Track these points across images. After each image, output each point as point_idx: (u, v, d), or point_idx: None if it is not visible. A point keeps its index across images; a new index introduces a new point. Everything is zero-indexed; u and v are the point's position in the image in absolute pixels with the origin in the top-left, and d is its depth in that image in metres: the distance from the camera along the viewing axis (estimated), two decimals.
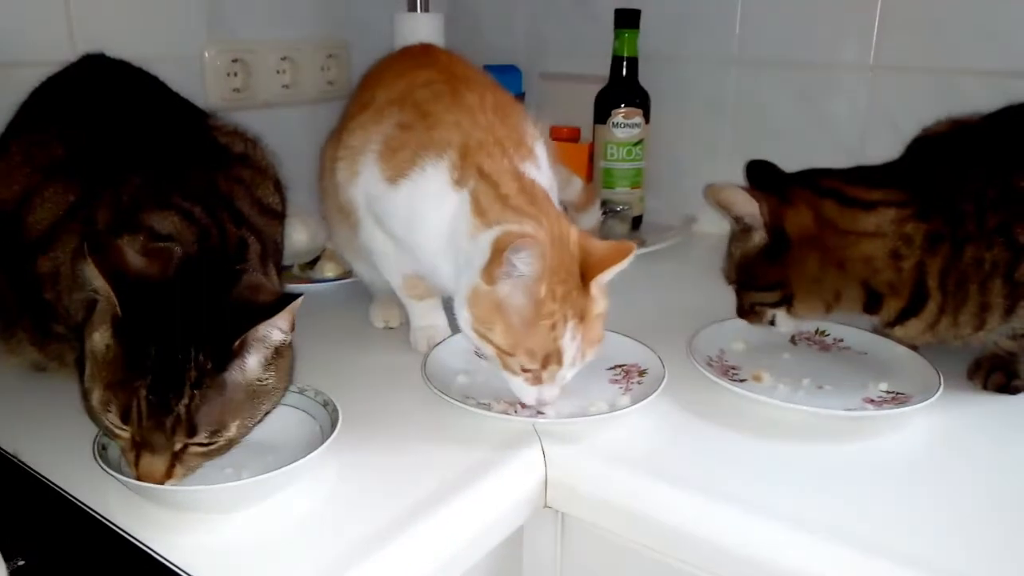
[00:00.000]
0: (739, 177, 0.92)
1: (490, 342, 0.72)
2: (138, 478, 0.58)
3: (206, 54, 1.20)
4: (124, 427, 0.57)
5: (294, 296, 0.60)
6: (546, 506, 0.72)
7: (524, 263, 0.69)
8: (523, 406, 0.75)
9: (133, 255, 0.59)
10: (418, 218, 0.78)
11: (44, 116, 0.77)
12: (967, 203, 0.78)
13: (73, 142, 0.72)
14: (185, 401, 0.57)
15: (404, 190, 0.78)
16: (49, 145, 0.72)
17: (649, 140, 1.33)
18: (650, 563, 0.68)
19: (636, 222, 1.34)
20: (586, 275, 0.72)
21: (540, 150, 0.82)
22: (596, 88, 1.33)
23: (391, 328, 0.96)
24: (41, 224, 0.69)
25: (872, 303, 0.82)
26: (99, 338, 0.58)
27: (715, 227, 1.35)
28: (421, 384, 0.79)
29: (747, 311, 0.87)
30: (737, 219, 0.84)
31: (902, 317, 0.82)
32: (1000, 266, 0.77)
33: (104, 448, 0.62)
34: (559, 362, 0.71)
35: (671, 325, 0.90)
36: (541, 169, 0.80)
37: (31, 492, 0.63)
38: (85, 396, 0.60)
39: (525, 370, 0.71)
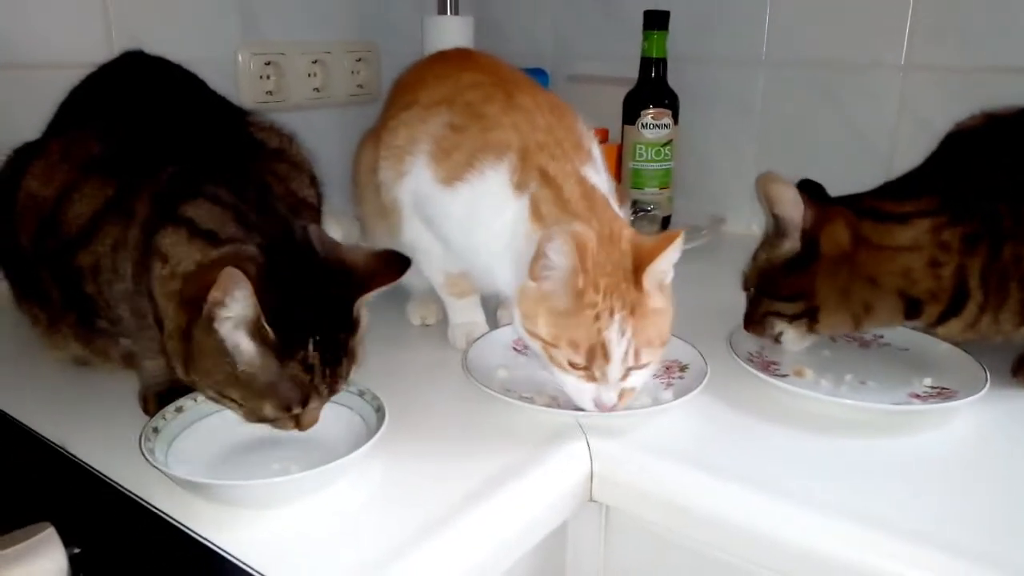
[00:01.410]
0: None
1: (537, 337, 0.71)
2: (301, 429, 0.65)
3: (240, 57, 1.21)
4: (301, 410, 0.63)
5: (400, 259, 0.67)
6: (591, 500, 0.72)
7: (556, 252, 0.68)
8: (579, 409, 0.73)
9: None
10: (477, 222, 0.78)
11: (82, 113, 0.78)
12: (1002, 200, 0.77)
13: (111, 138, 0.73)
14: (346, 366, 0.64)
15: (462, 193, 0.78)
16: (87, 142, 0.73)
17: (677, 141, 1.33)
18: (694, 556, 0.68)
19: (665, 222, 1.33)
20: (638, 268, 0.71)
21: (596, 151, 0.82)
22: (623, 90, 1.33)
23: (428, 325, 0.97)
24: (80, 218, 0.69)
25: (912, 310, 0.81)
26: (251, 349, 0.59)
27: (744, 227, 1.36)
28: (461, 380, 0.79)
29: (755, 321, 0.85)
30: (775, 218, 0.82)
31: (943, 318, 0.81)
32: None
33: (149, 441, 0.63)
34: (606, 357, 0.69)
35: (706, 324, 0.89)
36: (599, 171, 0.80)
37: (82, 482, 0.63)
38: (246, 412, 0.63)
39: (573, 365, 0.70)
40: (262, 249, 0.62)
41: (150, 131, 0.73)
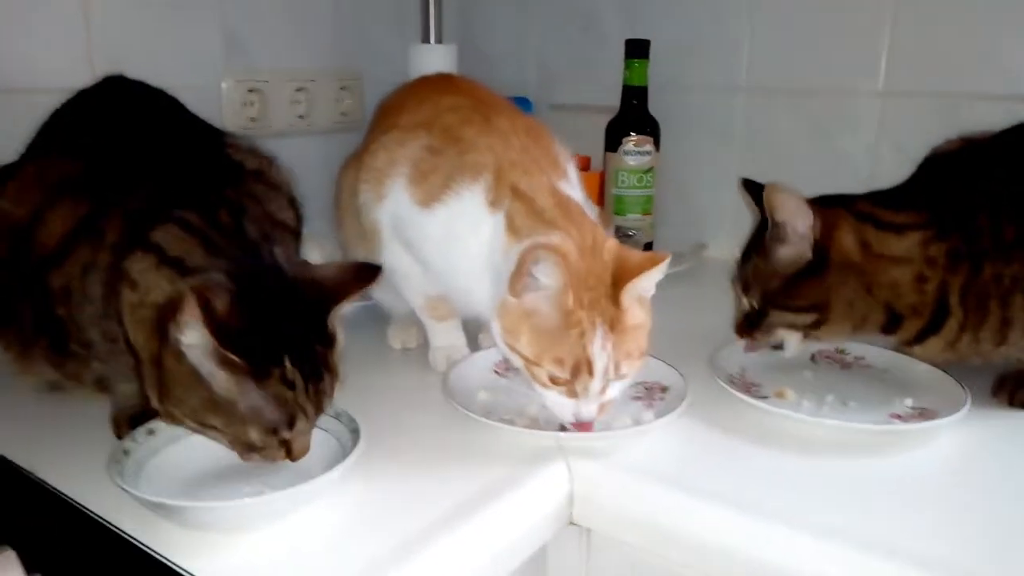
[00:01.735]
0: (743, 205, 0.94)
1: (518, 353, 0.71)
2: (293, 459, 0.63)
3: (223, 84, 1.21)
4: (289, 433, 0.62)
5: (369, 268, 0.66)
6: (571, 523, 0.71)
7: (545, 275, 0.69)
8: (563, 428, 0.73)
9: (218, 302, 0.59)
10: (454, 241, 0.78)
11: (58, 135, 0.77)
12: (983, 218, 0.78)
13: (85, 160, 0.72)
14: (328, 382, 0.63)
15: (439, 215, 0.78)
16: (62, 163, 0.72)
17: (659, 168, 1.34)
18: None
19: (647, 248, 1.34)
20: (618, 283, 0.70)
21: (573, 172, 0.83)
22: (605, 118, 1.35)
23: (409, 349, 0.96)
24: (52, 239, 0.68)
25: (891, 324, 0.81)
26: (222, 375, 0.58)
27: (726, 253, 1.36)
28: (441, 403, 0.78)
29: (750, 329, 0.85)
30: (776, 225, 0.81)
31: (921, 336, 0.81)
32: (1020, 280, 0.77)
33: (118, 463, 0.61)
34: (589, 372, 0.69)
35: (688, 346, 0.89)
36: (574, 187, 0.81)
37: (48, 507, 0.62)
38: (231, 440, 0.62)
39: (555, 381, 0.70)
40: (229, 275, 0.62)
41: (125, 153, 0.72)
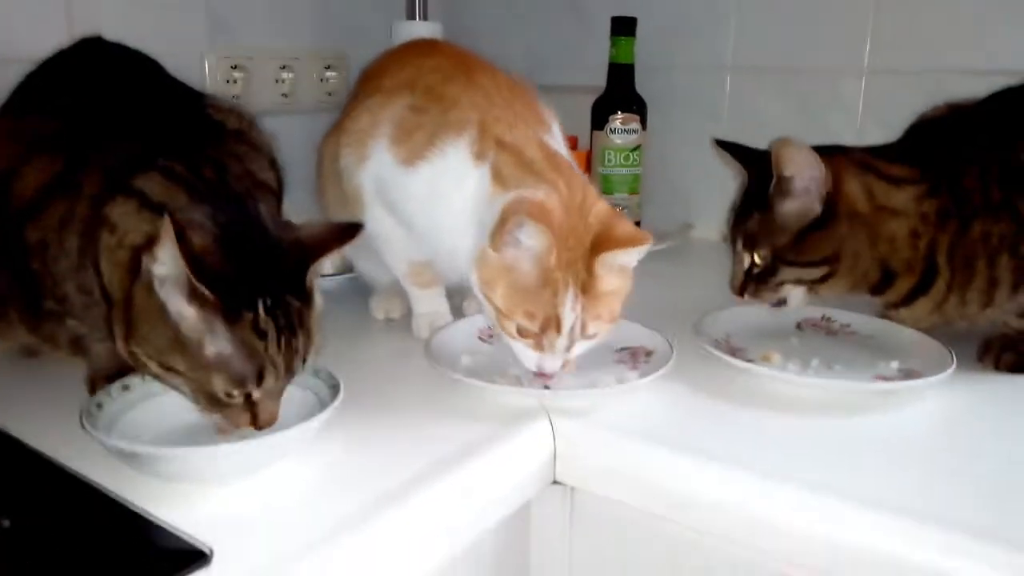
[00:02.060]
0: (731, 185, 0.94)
1: (492, 304, 0.71)
2: (259, 427, 0.60)
3: (207, 60, 1.20)
4: (257, 388, 0.59)
5: (350, 227, 0.64)
6: (555, 481, 0.70)
7: (528, 236, 0.68)
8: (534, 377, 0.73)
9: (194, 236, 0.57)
10: (439, 199, 0.77)
11: (34, 93, 0.76)
12: (971, 179, 0.78)
13: (62, 115, 0.71)
14: (301, 341, 0.60)
15: (423, 172, 0.77)
16: (38, 118, 0.71)
17: (646, 148, 1.34)
18: (661, 536, 0.67)
19: None
20: (595, 250, 0.70)
21: (556, 128, 0.82)
22: (592, 99, 1.34)
23: (392, 319, 0.95)
24: (27, 192, 0.67)
25: (883, 283, 0.80)
26: (190, 312, 0.57)
27: (712, 233, 1.36)
28: (423, 368, 0.77)
29: (755, 286, 0.83)
30: (783, 180, 0.79)
31: (911, 297, 0.81)
32: (1007, 239, 0.77)
33: (91, 415, 0.60)
34: (557, 328, 0.69)
35: (673, 319, 0.87)
36: (560, 144, 0.80)
37: (16, 458, 0.61)
38: (194, 389, 0.60)
39: (523, 334, 0.71)
40: (213, 220, 0.61)
41: (103, 109, 0.71)
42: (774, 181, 0.79)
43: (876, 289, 0.81)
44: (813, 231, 0.79)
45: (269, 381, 0.60)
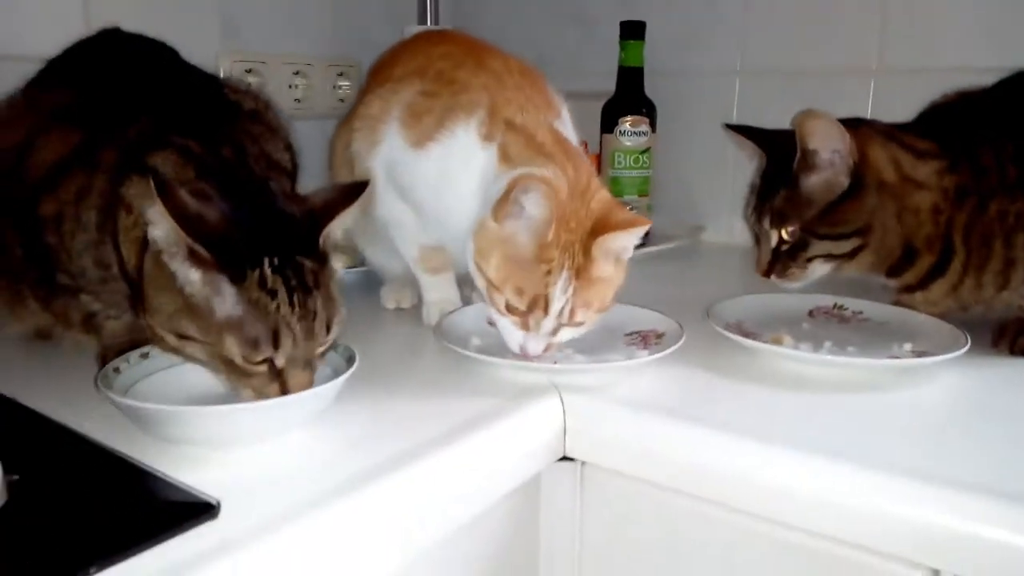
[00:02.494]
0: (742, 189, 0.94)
1: (484, 275, 0.71)
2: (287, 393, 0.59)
3: (220, 64, 1.22)
4: (274, 352, 0.58)
5: (357, 185, 0.64)
6: (564, 457, 0.69)
7: (533, 204, 0.68)
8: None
9: (189, 199, 0.57)
10: (447, 180, 0.78)
11: (54, 73, 0.78)
12: (988, 158, 0.78)
13: (81, 92, 0.72)
14: (319, 302, 0.59)
15: (433, 154, 0.78)
16: (55, 93, 0.73)
17: (656, 153, 1.34)
18: (670, 508, 0.66)
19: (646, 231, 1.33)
20: (594, 233, 0.70)
21: (566, 114, 0.83)
22: (600, 104, 1.35)
23: (402, 309, 0.95)
24: (43, 165, 0.68)
25: (903, 261, 0.79)
26: (195, 276, 0.56)
27: (723, 236, 1.36)
28: (436, 351, 0.79)
29: (780, 264, 0.82)
30: (808, 153, 0.78)
31: (928, 279, 0.80)
32: (1023, 218, 0.76)
33: (107, 378, 0.60)
34: (545, 309, 0.69)
35: (685, 310, 0.85)
36: (569, 130, 0.81)
37: (26, 422, 0.61)
38: (210, 356, 0.59)
39: (510, 309, 0.71)
40: (217, 189, 0.60)
41: (121, 87, 0.72)
42: (799, 155, 0.79)
43: (895, 269, 0.80)
44: (842, 202, 0.78)
45: (287, 344, 0.58)
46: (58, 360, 0.76)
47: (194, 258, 0.56)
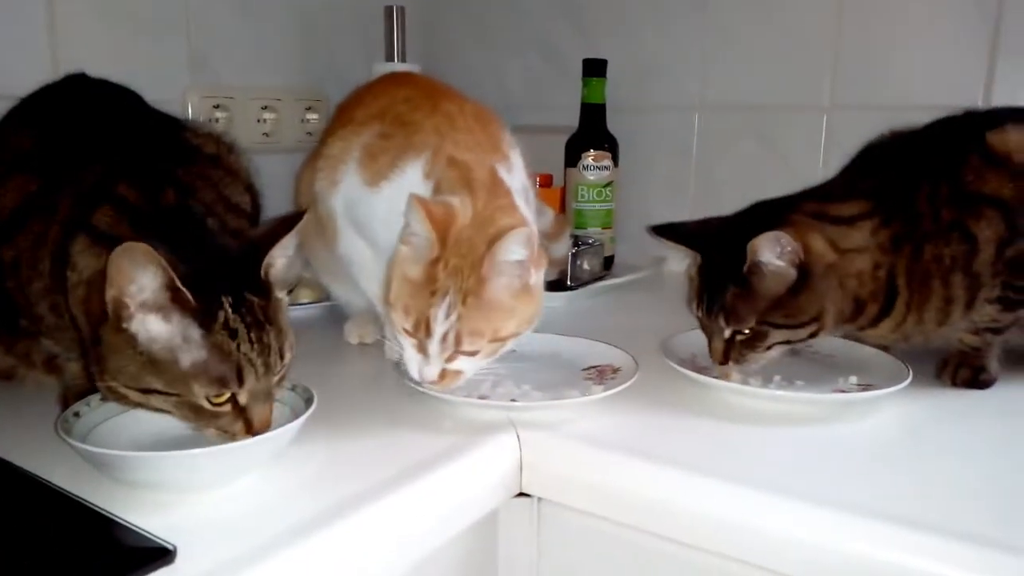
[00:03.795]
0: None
1: (384, 297, 0.74)
2: (254, 433, 0.61)
3: (189, 99, 1.24)
4: (239, 388, 0.60)
5: (293, 215, 0.66)
6: (521, 493, 0.71)
7: (416, 222, 0.71)
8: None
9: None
10: (396, 216, 0.79)
11: (16, 121, 0.78)
12: (922, 203, 0.81)
13: (42, 140, 0.73)
14: (272, 335, 0.62)
15: (384, 192, 0.80)
16: (18, 141, 0.74)
17: (618, 185, 1.37)
18: (628, 545, 0.68)
19: (608, 262, 1.36)
20: (488, 247, 0.70)
21: (515, 158, 0.85)
22: (565, 138, 1.38)
23: (366, 344, 0.97)
24: (3, 212, 0.69)
25: (855, 313, 0.82)
26: (164, 329, 0.58)
27: (683, 266, 1.39)
28: (397, 387, 0.79)
29: (737, 352, 0.82)
30: (758, 263, 0.78)
31: (877, 319, 0.83)
32: (959, 259, 0.79)
33: (67, 422, 0.61)
34: (427, 332, 0.71)
35: (644, 341, 0.89)
36: (513, 173, 0.83)
37: None
38: (177, 404, 0.60)
39: (405, 331, 0.72)
40: (159, 241, 0.61)
41: (80, 135, 0.73)
42: (748, 264, 0.78)
43: (850, 318, 0.83)
44: (796, 294, 0.79)
45: (250, 380, 0.60)
46: (17, 402, 0.76)
47: (176, 307, 0.57)
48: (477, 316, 0.71)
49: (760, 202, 0.85)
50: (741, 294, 0.80)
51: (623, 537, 0.68)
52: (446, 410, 0.75)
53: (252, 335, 0.60)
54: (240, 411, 0.61)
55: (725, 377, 0.81)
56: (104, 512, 0.54)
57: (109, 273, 0.56)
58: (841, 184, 0.88)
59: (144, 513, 0.55)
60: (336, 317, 1.03)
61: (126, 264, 0.56)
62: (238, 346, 0.59)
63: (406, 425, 0.73)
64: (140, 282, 0.57)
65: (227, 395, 0.60)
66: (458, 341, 0.71)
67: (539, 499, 0.72)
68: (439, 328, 0.70)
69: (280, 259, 0.65)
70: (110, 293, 0.58)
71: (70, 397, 0.71)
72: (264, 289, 0.63)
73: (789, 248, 0.77)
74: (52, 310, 0.69)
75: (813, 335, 0.81)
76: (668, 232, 0.88)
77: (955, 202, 0.80)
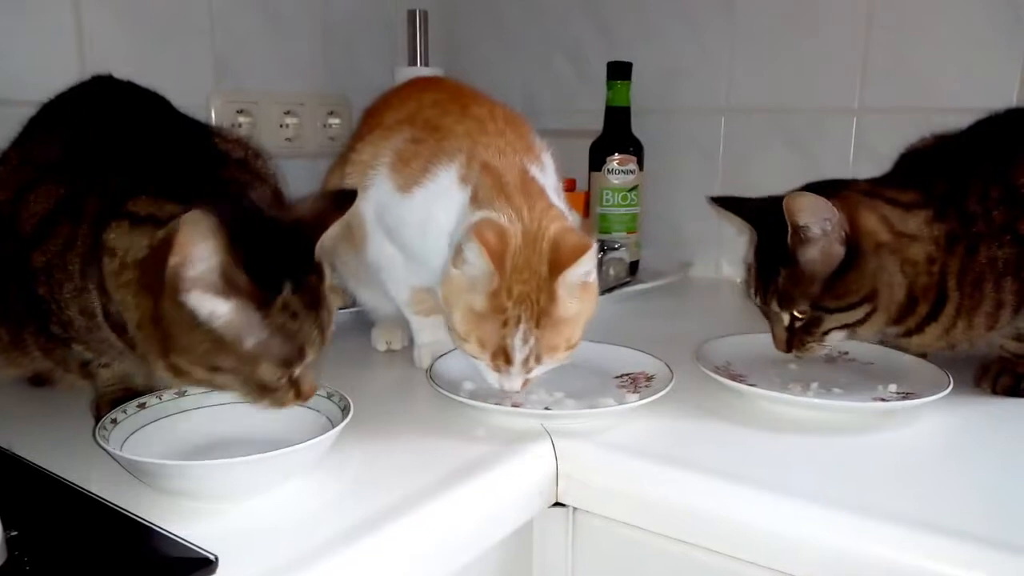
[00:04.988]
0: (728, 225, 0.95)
1: (451, 326, 0.74)
2: (303, 399, 0.64)
3: (212, 104, 1.23)
4: (296, 372, 0.62)
5: (346, 194, 0.67)
6: (557, 503, 0.70)
7: (473, 255, 0.70)
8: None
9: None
10: (431, 222, 0.79)
11: (43, 125, 0.78)
12: (974, 203, 0.79)
13: (69, 145, 0.73)
14: (326, 314, 0.63)
15: (418, 197, 0.80)
16: (46, 147, 0.74)
17: (644, 190, 1.36)
18: (663, 555, 0.67)
19: (633, 267, 1.35)
20: (553, 273, 0.71)
21: (547, 159, 0.84)
22: (589, 142, 1.37)
23: (393, 350, 0.96)
24: (33, 219, 0.69)
25: (905, 312, 0.80)
26: (225, 309, 0.58)
27: (710, 272, 1.38)
28: (428, 395, 0.79)
29: (799, 340, 0.81)
30: (800, 228, 0.77)
31: (922, 324, 0.81)
32: (1011, 262, 0.77)
33: (105, 430, 0.61)
34: (507, 360, 0.72)
35: (675, 348, 0.87)
36: (546, 173, 0.82)
37: (23, 476, 0.61)
38: (244, 382, 0.62)
39: (479, 357, 0.73)
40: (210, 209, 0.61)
41: (108, 139, 0.73)
42: (791, 232, 0.77)
43: (897, 320, 0.80)
44: (844, 273, 0.77)
45: (310, 356, 0.63)
46: (53, 408, 0.76)
47: (231, 289, 0.57)
48: (552, 334, 0.72)
49: (811, 183, 0.83)
50: (791, 274, 0.79)
51: (660, 548, 0.67)
52: (479, 418, 0.74)
53: (311, 315, 0.61)
54: (292, 382, 0.63)
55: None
56: (144, 521, 0.53)
57: (178, 240, 0.55)
58: (892, 177, 0.86)
59: (184, 522, 0.54)
60: (363, 323, 1.03)
61: (193, 233, 0.55)
62: (300, 327, 0.60)
63: (439, 433, 0.72)
64: (198, 260, 0.56)
65: (290, 374, 0.62)
66: (538, 359, 0.73)
67: (574, 509, 0.71)
68: (519, 355, 0.72)
69: (329, 239, 0.66)
70: (173, 260, 0.57)
71: (102, 405, 0.71)
72: (318, 269, 0.64)
73: (833, 218, 0.76)
74: (82, 313, 0.68)
75: (867, 318, 0.79)
76: (729, 203, 0.88)
77: (1007, 203, 0.78)
